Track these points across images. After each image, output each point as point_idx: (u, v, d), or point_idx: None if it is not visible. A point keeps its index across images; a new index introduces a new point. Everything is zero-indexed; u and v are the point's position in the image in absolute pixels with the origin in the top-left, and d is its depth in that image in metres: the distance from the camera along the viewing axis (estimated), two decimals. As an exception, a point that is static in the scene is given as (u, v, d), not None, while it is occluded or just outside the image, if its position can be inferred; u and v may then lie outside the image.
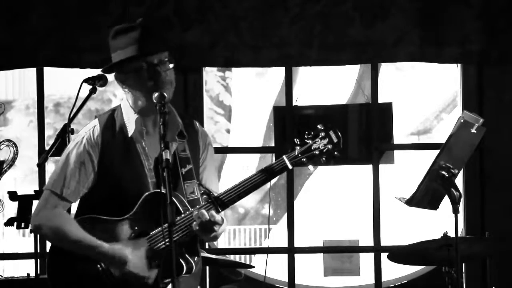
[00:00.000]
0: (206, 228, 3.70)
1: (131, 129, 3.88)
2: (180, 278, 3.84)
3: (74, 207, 3.98)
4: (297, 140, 3.72)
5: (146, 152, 3.88)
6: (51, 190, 3.89)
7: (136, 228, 3.82)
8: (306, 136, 3.72)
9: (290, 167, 3.72)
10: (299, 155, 3.71)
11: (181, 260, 3.78)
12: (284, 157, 3.73)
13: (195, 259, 3.89)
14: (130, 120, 3.89)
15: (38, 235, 5.26)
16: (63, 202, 3.88)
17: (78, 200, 3.92)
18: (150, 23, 3.85)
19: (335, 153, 3.72)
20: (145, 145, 3.89)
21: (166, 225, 3.43)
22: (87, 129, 3.93)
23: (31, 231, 5.22)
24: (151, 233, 3.79)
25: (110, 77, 4.18)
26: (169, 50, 3.87)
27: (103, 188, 3.87)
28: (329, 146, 3.70)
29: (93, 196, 3.90)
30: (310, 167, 3.74)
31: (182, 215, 3.75)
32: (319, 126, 3.73)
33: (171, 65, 3.84)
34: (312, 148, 3.71)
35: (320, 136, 3.71)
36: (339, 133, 3.72)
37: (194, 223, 3.70)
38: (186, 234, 3.74)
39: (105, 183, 3.87)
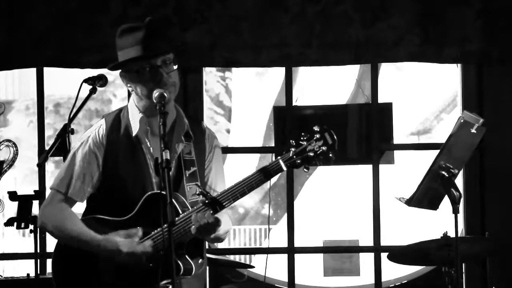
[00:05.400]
0: (205, 231, 3.71)
1: (135, 128, 3.90)
2: (181, 280, 3.85)
3: (82, 207, 4.00)
4: (292, 141, 3.71)
5: (151, 152, 3.89)
6: (57, 189, 3.92)
7: (138, 228, 3.82)
8: (301, 138, 3.71)
9: (284, 168, 3.71)
10: (294, 156, 3.70)
11: (178, 261, 3.78)
12: (279, 158, 3.72)
13: (199, 261, 3.89)
14: (135, 119, 3.90)
15: (38, 235, 5.27)
16: (68, 201, 3.92)
17: (85, 199, 3.94)
18: (156, 23, 3.85)
19: (330, 155, 3.69)
20: (150, 145, 3.90)
21: (165, 225, 3.44)
22: (93, 128, 3.95)
23: (31, 231, 5.25)
24: (151, 233, 3.80)
25: (110, 77, 4.18)
26: (174, 51, 3.87)
27: (109, 188, 3.89)
28: (324, 148, 3.68)
29: (99, 196, 3.92)
30: (305, 169, 3.73)
31: (180, 215, 3.75)
32: (314, 128, 3.71)
33: (175, 67, 3.84)
34: (307, 149, 3.69)
35: (315, 138, 3.69)
36: (335, 135, 3.70)
37: (193, 226, 3.70)
38: (184, 235, 3.74)
39: (110, 183, 3.88)
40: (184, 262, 3.81)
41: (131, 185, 3.85)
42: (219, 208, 3.72)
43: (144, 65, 3.80)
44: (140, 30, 3.80)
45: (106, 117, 3.98)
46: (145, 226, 3.81)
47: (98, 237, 3.80)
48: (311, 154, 3.68)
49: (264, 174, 3.72)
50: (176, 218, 3.73)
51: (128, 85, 3.89)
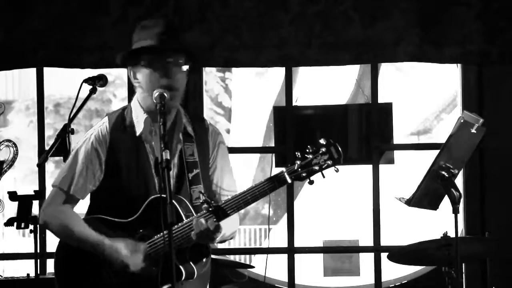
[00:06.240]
0: (205, 237, 3.73)
1: (139, 128, 3.90)
2: (183, 283, 3.85)
3: (84, 206, 4.01)
4: (298, 154, 3.73)
5: (154, 152, 3.89)
6: (59, 187, 3.93)
7: (141, 231, 3.84)
8: (307, 151, 3.72)
9: (289, 181, 3.73)
10: (299, 169, 3.72)
11: (180, 266, 3.79)
12: (284, 171, 3.74)
13: (203, 261, 3.90)
14: (139, 119, 3.90)
15: (38, 235, 5.27)
16: (70, 199, 3.93)
17: (87, 197, 3.95)
18: (173, 24, 3.91)
19: (335, 169, 3.74)
20: (154, 146, 3.90)
21: (166, 231, 3.45)
22: (96, 126, 3.97)
23: (31, 231, 5.26)
24: (153, 238, 3.80)
25: (110, 77, 4.18)
26: (186, 53, 3.87)
27: (111, 187, 3.90)
28: (329, 162, 3.71)
29: (102, 195, 3.92)
30: (310, 183, 3.75)
31: (184, 221, 3.76)
32: (321, 141, 3.73)
33: (184, 68, 3.84)
34: (312, 163, 3.71)
35: (321, 152, 3.71)
36: (340, 149, 3.73)
37: (193, 232, 3.71)
38: (186, 240, 3.75)
39: (112, 182, 3.89)
40: (186, 266, 3.81)
41: (134, 185, 3.86)
42: (222, 216, 3.74)
43: (156, 56, 3.79)
44: (158, 27, 3.82)
45: (110, 115, 3.99)
46: (148, 230, 3.82)
47: (106, 243, 3.81)
48: (316, 167, 3.70)
49: (268, 185, 3.74)
50: (179, 224, 3.74)
51: (135, 81, 3.88)
